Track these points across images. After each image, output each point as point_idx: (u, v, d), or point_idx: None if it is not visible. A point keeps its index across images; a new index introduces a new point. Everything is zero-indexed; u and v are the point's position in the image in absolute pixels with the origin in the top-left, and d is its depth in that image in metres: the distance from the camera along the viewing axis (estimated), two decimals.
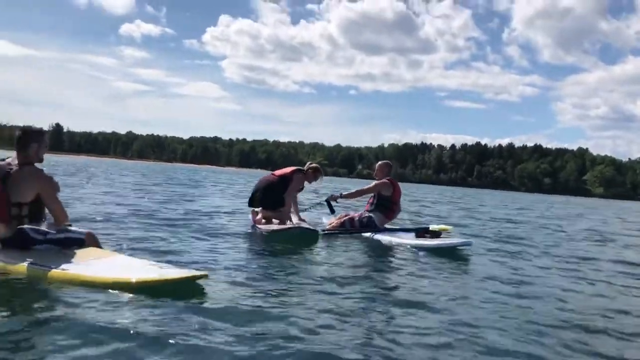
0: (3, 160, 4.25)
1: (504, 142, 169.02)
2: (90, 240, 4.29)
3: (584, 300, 4.36)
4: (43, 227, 4.21)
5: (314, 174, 7.47)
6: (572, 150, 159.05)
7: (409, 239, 6.72)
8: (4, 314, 3.02)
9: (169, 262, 4.35)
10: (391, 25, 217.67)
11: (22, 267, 3.78)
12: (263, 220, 7.27)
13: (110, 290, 3.50)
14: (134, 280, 3.56)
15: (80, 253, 4.10)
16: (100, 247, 4.38)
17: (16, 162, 4.18)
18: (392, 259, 5.76)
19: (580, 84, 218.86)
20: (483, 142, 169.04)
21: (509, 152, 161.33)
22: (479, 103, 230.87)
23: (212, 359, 2.48)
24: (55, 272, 3.68)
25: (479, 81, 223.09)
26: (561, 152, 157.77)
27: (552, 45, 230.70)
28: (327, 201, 7.68)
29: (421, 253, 6.18)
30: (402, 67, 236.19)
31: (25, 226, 4.11)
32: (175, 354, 2.50)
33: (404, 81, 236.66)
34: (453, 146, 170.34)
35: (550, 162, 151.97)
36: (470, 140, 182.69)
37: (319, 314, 3.26)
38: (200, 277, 3.71)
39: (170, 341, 2.63)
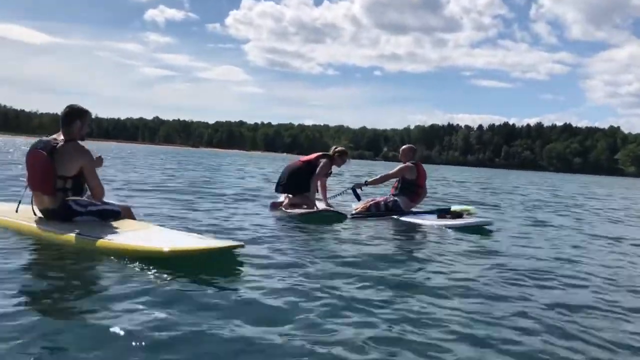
0: (48, 136, 4.54)
1: (532, 121, 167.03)
2: (125, 213, 4.66)
3: (607, 283, 4.34)
4: (84, 199, 4.49)
5: (341, 158, 7.54)
6: (603, 129, 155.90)
7: (432, 220, 6.81)
8: (55, 276, 3.29)
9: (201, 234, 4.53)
10: (415, 4, 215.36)
11: (71, 236, 4.05)
12: (285, 203, 7.42)
13: (149, 259, 3.70)
14: (175, 249, 3.73)
15: (118, 224, 4.41)
16: (135, 219, 4.70)
17: (61, 137, 4.44)
18: (414, 240, 5.86)
19: (611, 60, 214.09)
20: (511, 122, 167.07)
21: (538, 132, 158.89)
22: (506, 82, 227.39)
23: (247, 334, 2.59)
24: (101, 242, 3.92)
25: (506, 60, 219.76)
26: (592, 131, 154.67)
27: (581, 20, 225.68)
28: (353, 189, 7.75)
29: (445, 231, 6.33)
30: (427, 46, 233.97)
31: (69, 199, 4.39)
32: (211, 327, 2.61)
33: (429, 61, 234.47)
34: (480, 127, 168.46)
35: (580, 141, 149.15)
36: (498, 120, 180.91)
37: (349, 293, 3.35)
38: (237, 247, 3.86)
39: (206, 313, 2.76)
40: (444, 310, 3.15)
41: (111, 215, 4.55)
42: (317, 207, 7.07)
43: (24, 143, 44.25)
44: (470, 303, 3.35)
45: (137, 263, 3.67)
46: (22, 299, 2.89)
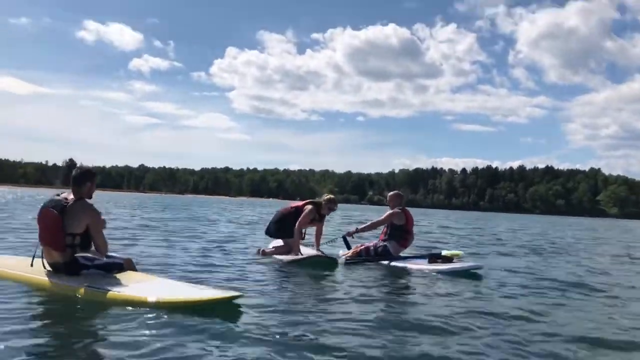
0: (59, 195, 4.81)
1: (515, 164, 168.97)
2: (128, 265, 4.91)
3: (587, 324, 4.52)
4: (90, 255, 4.74)
5: (327, 205, 7.76)
6: (584, 170, 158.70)
7: (423, 265, 7.02)
8: (64, 325, 3.47)
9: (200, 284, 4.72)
10: (396, 52, 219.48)
11: (80, 289, 4.32)
12: (272, 249, 7.72)
13: (153, 309, 3.92)
14: (177, 299, 4.02)
15: (123, 276, 4.65)
16: (136, 271, 4.94)
17: (71, 196, 4.72)
18: (407, 284, 6.05)
19: (589, 104, 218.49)
20: (494, 165, 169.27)
21: (520, 175, 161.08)
22: (487, 126, 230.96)
23: None
24: (109, 294, 4.18)
25: (486, 104, 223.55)
26: (573, 173, 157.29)
27: (558, 65, 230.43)
28: (344, 237, 7.97)
29: (433, 277, 6.49)
30: (409, 92, 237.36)
31: (78, 255, 4.65)
32: None
33: (411, 106, 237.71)
34: (464, 170, 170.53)
35: (563, 183, 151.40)
36: (481, 163, 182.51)
37: (344, 334, 3.54)
38: (236, 297, 4.12)
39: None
40: (431, 352, 3.28)
41: (115, 268, 4.80)
42: (301, 253, 7.28)
43: (8, 192, 44.01)
44: (464, 349, 3.44)
45: (142, 310, 3.89)
46: (39, 345, 3.07)
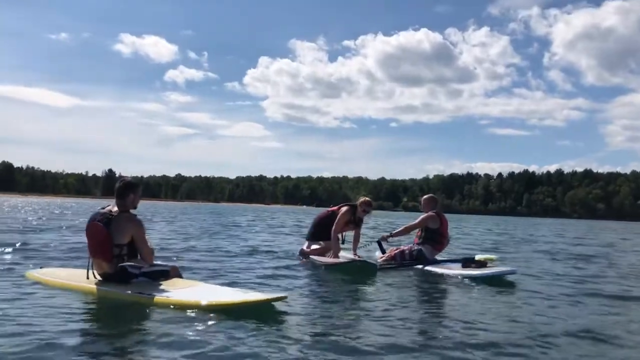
0: (104, 208, 5.09)
1: (552, 168, 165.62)
2: (174, 272, 5.16)
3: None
4: (137, 263, 5.00)
5: (362, 206, 7.88)
6: (625, 173, 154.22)
7: (456, 269, 7.11)
8: (118, 329, 3.74)
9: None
10: (428, 57, 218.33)
11: (130, 295, 4.59)
12: (311, 250, 8.00)
13: (201, 312, 4.18)
14: (224, 302, 4.28)
15: (170, 283, 4.91)
16: (182, 278, 5.20)
17: (115, 208, 4.99)
18: (441, 289, 6.16)
19: (629, 105, 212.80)
20: (531, 170, 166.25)
21: (558, 179, 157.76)
22: (523, 130, 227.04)
23: None
24: (158, 299, 4.45)
25: (522, 107, 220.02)
26: (613, 176, 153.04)
27: (595, 66, 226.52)
28: (379, 242, 8.12)
29: (467, 282, 6.56)
30: (442, 97, 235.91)
31: (126, 264, 4.90)
32: None
33: (444, 111, 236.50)
34: (500, 175, 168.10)
35: (602, 186, 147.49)
36: (517, 168, 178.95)
37: (382, 339, 3.69)
38: (280, 299, 4.37)
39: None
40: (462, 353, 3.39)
41: (161, 275, 5.04)
42: (334, 255, 7.50)
43: (55, 204, 45.35)
44: (491, 352, 3.51)
45: (190, 314, 4.17)
46: (95, 347, 3.36)
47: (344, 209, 7.84)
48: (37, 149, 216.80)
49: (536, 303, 5.39)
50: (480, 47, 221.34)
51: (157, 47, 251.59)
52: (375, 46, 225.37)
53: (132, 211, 5.06)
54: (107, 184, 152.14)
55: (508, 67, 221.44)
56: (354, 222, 7.90)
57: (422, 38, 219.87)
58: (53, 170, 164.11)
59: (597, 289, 6.55)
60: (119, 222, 4.89)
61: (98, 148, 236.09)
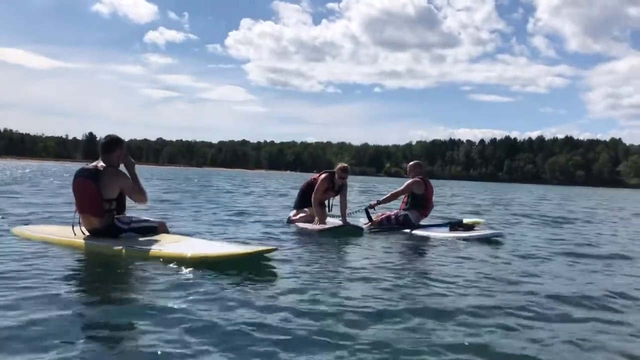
0: (88, 164, 5.08)
1: (534, 135, 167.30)
2: (161, 228, 5.24)
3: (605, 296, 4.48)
4: (126, 217, 5.08)
5: (338, 173, 7.82)
6: (605, 140, 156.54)
7: (444, 233, 7.18)
8: (110, 282, 3.70)
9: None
10: (413, 21, 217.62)
11: (121, 249, 4.63)
12: (297, 217, 8.01)
13: (191, 265, 4.22)
14: (214, 254, 4.32)
15: (158, 238, 4.95)
16: (169, 233, 5.25)
17: (101, 164, 4.97)
18: (429, 251, 6.21)
19: (611, 73, 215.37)
20: (512, 136, 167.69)
21: (540, 145, 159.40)
22: (506, 96, 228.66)
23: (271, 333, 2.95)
24: (148, 252, 4.51)
25: (505, 74, 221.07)
26: (593, 144, 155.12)
27: (579, 33, 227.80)
28: (366, 209, 8.12)
29: (454, 244, 6.63)
30: (426, 62, 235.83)
31: (115, 219, 4.97)
32: (242, 325, 2.97)
33: (428, 77, 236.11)
34: (482, 141, 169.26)
35: (583, 154, 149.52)
36: (499, 134, 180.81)
37: (369, 299, 3.70)
38: (269, 250, 4.42)
39: (239, 314, 3.14)
40: (456, 317, 3.34)
41: (150, 230, 5.11)
42: (325, 222, 7.55)
43: (32, 166, 44.81)
44: (483, 316, 3.44)
45: (180, 268, 4.20)
46: (90, 298, 3.34)
47: (322, 176, 7.83)
48: (15, 111, 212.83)
49: (523, 264, 5.48)
50: (465, 11, 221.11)
51: (137, 7, 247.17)
52: (359, 9, 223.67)
53: None
54: (88, 147, 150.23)
55: (492, 32, 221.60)
56: (333, 189, 7.89)
57: (406, 1, 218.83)
58: (32, 133, 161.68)
59: (579, 250, 6.71)
60: (107, 176, 4.89)
61: (78, 111, 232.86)
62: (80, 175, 4.93)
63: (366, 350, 2.68)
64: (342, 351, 2.66)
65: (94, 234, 4.97)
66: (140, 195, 5.08)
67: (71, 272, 4.10)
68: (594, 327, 3.25)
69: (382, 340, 2.82)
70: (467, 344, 2.82)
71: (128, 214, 5.19)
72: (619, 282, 4.71)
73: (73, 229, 5.08)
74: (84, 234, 5.02)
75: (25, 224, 6.19)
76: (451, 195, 24.91)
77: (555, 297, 3.93)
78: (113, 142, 5.04)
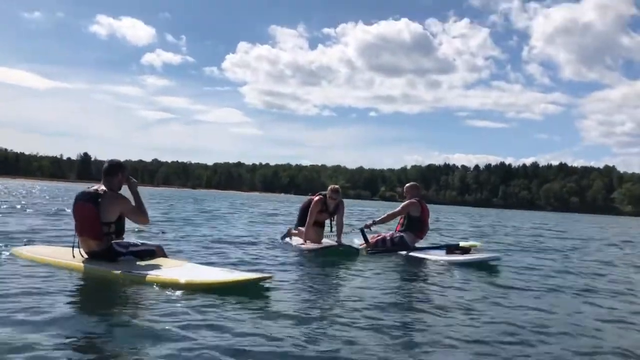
0: (89, 188, 5.13)
1: (529, 161, 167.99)
2: (159, 252, 5.26)
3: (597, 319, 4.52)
4: (124, 241, 5.11)
5: (329, 194, 7.91)
6: (599, 168, 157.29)
7: (441, 256, 7.20)
8: (106, 306, 3.74)
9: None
10: (408, 47, 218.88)
11: (118, 273, 4.63)
12: (293, 232, 8.27)
13: (186, 291, 4.23)
14: (209, 281, 4.35)
15: (156, 262, 4.98)
16: (167, 257, 5.27)
17: (102, 187, 5.03)
18: (425, 274, 6.22)
19: (604, 101, 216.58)
20: (507, 162, 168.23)
21: (534, 172, 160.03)
22: (501, 122, 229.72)
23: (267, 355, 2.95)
24: (145, 278, 4.50)
25: (500, 100, 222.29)
26: (587, 171, 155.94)
27: (573, 61, 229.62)
28: (361, 230, 8.16)
29: (451, 267, 6.65)
30: (421, 87, 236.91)
31: (114, 242, 4.99)
32: (239, 348, 3.01)
33: (423, 102, 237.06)
34: (477, 167, 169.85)
35: (577, 180, 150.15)
36: (494, 160, 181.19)
37: (363, 321, 3.73)
38: (265, 278, 4.46)
39: (236, 338, 3.17)
40: (449, 341, 3.35)
41: (147, 254, 5.13)
42: (309, 241, 7.65)
43: (28, 186, 44.57)
44: (478, 340, 3.46)
45: (176, 292, 4.21)
46: (84, 323, 3.36)
47: (315, 198, 7.94)
48: (10, 130, 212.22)
49: (518, 289, 5.45)
50: (460, 38, 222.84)
51: (135, 30, 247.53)
52: (355, 35, 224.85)
53: None
54: (82, 167, 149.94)
55: (487, 59, 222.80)
56: (327, 211, 7.96)
57: (402, 28, 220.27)
58: (27, 152, 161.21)
59: (574, 278, 6.71)
60: (107, 200, 4.94)
61: (73, 131, 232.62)
62: (81, 199, 4.99)
63: None
64: None
65: (93, 256, 5.00)
66: (142, 216, 5.13)
67: (69, 294, 4.11)
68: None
69: None
70: None
71: (126, 238, 5.24)
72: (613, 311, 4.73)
73: (73, 251, 5.11)
74: (82, 256, 5.05)
75: (24, 244, 6.20)
76: (447, 221, 24.93)
77: (547, 325, 3.92)
78: (114, 166, 5.14)
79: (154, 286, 4.36)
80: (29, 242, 6.62)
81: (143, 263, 4.93)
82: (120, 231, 5.09)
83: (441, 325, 3.71)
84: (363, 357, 2.94)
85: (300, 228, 8.15)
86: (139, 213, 5.11)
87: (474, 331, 3.60)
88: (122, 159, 5.43)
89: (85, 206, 4.91)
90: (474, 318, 3.98)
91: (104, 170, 5.11)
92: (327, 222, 8.19)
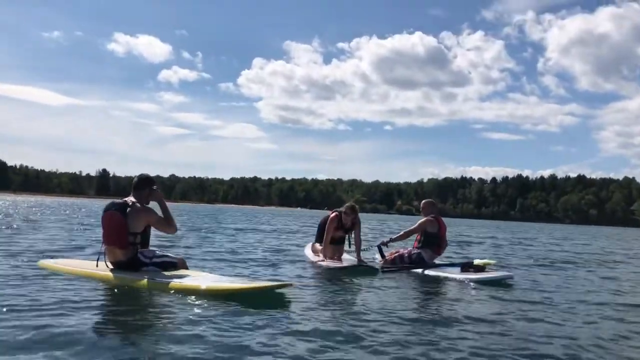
0: (121, 199, 5.40)
1: (546, 173, 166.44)
2: (181, 264, 5.48)
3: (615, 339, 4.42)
4: (148, 251, 5.36)
5: (346, 211, 7.96)
6: (618, 179, 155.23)
7: (455, 274, 7.25)
8: (132, 311, 3.98)
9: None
10: (423, 60, 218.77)
11: (144, 281, 4.88)
12: (315, 248, 8.36)
13: (208, 298, 4.48)
14: (232, 287, 4.56)
15: (179, 273, 5.21)
16: (188, 269, 5.50)
17: (131, 199, 5.32)
18: (441, 292, 6.30)
19: (622, 111, 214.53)
20: (524, 175, 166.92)
21: (552, 184, 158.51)
22: (517, 134, 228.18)
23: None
24: (169, 285, 4.75)
25: (516, 112, 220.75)
26: (606, 182, 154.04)
27: (589, 72, 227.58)
28: (379, 246, 8.25)
29: (465, 286, 6.69)
30: (437, 100, 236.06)
31: (139, 252, 5.24)
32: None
33: (439, 115, 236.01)
34: (494, 179, 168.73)
35: (595, 192, 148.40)
36: (511, 172, 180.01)
37: (378, 334, 3.82)
38: (285, 285, 4.66)
39: (252, 346, 3.30)
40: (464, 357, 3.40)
41: (170, 266, 5.35)
42: (340, 259, 7.77)
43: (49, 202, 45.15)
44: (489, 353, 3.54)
45: (198, 299, 4.46)
46: (113, 327, 3.53)
47: (332, 215, 8.00)
48: (30, 147, 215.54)
49: (532, 308, 5.40)
50: (474, 51, 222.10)
51: (151, 47, 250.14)
52: (369, 49, 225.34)
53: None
54: (101, 183, 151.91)
55: (502, 71, 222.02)
56: (343, 228, 8.02)
57: (416, 41, 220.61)
58: (47, 169, 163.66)
59: (592, 296, 6.64)
60: (134, 212, 5.20)
61: (91, 147, 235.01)
62: (110, 209, 5.26)
63: None
64: None
65: (118, 266, 5.22)
66: (169, 227, 5.37)
67: (96, 303, 4.33)
68: None
69: None
70: None
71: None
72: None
73: (97, 261, 5.38)
74: (107, 267, 5.27)
75: (50, 258, 6.45)
76: (465, 236, 24.84)
77: (557, 341, 3.94)
78: (142, 181, 5.42)
79: (176, 293, 4.61)
80: (54, 255, 6.91)
81: (166, 273, 5.14)
82: (145, 242, 5.32)
83: (453, 338, 3.79)
84: None
85: (317, 245, 8.26)
86: (166, 223, 5.35)
87: (483, 345, 3.68)
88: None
89: (114, 215, 5.17)
90: (485, 334, 4.03)
91: (134, 184, 5.39)
92: (347, 236, 8.20)
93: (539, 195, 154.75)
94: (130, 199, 5.32)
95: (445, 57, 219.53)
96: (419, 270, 7.59)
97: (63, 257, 6.78)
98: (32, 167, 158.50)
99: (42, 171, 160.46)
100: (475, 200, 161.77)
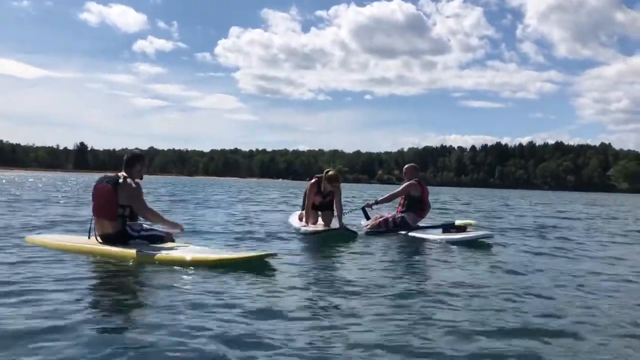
0: (114, 173, 5.49)
1: (525, 140, 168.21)
2: (168, 237, 5.59)
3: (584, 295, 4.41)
4: (137, 224, 5.45)
5: (325, 180, 7.97)
6: (595, 146, 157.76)
7: (438, 235, 7.45)
8: (124, 282, 3.94)
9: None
10: (402, 28, 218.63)
11: (132, 252, 4.96)
12: (296, 220, 8.55)
13: (195, 268, 4.59)
14: (217, 257, 4.71)
15: (166, 245, 5.31)
16: (174, 242, 5.58)
17: (123, 174, 5.41)
18: (424, 252, 6.49)
19: (600, 78, 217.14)
20: (503, 142, 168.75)
21: (530, 151, 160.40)
22: (496, 102, 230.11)
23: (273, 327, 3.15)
24: (157, 256, 4.84)
25: (495, 80, 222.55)
26: (583, 149, 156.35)
27: (568, 39, 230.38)
28: (363, 208, 8.40)
29: (446, 246, 6.93)
30: (416, 69, 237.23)
31: (127, 224, 5.33)
32: (242, 321, 3.20)
33: (419, 83, 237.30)
34: (473, 147, 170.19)
35: (573, 159, 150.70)
36: (490, 140, 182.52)
37: (365, 300, 3.87)
38: (269, 255, 4.76)
39: (239, 313, 3.35)
40: (447, 318, 3.37)
41: (157, 239, 5.46)
42: (306, 222, 7.94)
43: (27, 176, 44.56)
44: (472, 311, 3.58)
45: (185, 270, 4.56)
46: (103, 299, 3.61)
47: (312, 181, 8.09)
48: (3, 121, 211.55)
49: (513, 262, 5.70)
50: (454, 18, 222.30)
51: (125, 16, 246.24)
52: (348, 16, 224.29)
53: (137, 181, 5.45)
54: (79, 157, 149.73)
55: (482, 39, 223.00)
56: (321, 194, 8.09)
57: (395, 8, 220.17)
58: (22, 144, 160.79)
59: (566, 251, 6.97)
60: (125, 186, 5.28)
61: (67, 121, 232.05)
62: (101, 182, 5.35)
63: (360, 355, 2.73)
64: (335, 354, 2.73)
65: (107, 240, 5.27)
66: (147, 214, 5.40)
67: (87, 276, 4.39)
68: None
69: (373, 344, 2.87)
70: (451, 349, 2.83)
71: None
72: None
73: (89, 233, 5.46)
74: (97, 240, 5.32)
75: (37, 233, 6.45)
76: (446, 202, 25.14)
77: (537, 292, 4.16)
78: (133, 157, 5.51)
79: (163, 264, 4.71)
80: (41, 231, 6.89)
81: (154, 245, 5.24)
82: (134, 216, 5.40)
83: (434, 303, 3.77)
84: (364, 337, 3.05)
85: (302, 212, 8.36)
86: (146, 211, 5.37)
87: (466, 305, 3.76)
88: (117, 148, 5.77)
89: (105, 187, 5.26)
90: (466, 297, 4.04)
91: (125, 161, 5.47)
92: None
93: (518, 162, 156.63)
94: (122, 174, 5.42)
95: (424, 24, 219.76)
96: (403, 233, 7.77)
97: (49, 232, 6.78)
98: (7, 141, 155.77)
99: (18, 145, 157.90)
100: (455, 169, 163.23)
